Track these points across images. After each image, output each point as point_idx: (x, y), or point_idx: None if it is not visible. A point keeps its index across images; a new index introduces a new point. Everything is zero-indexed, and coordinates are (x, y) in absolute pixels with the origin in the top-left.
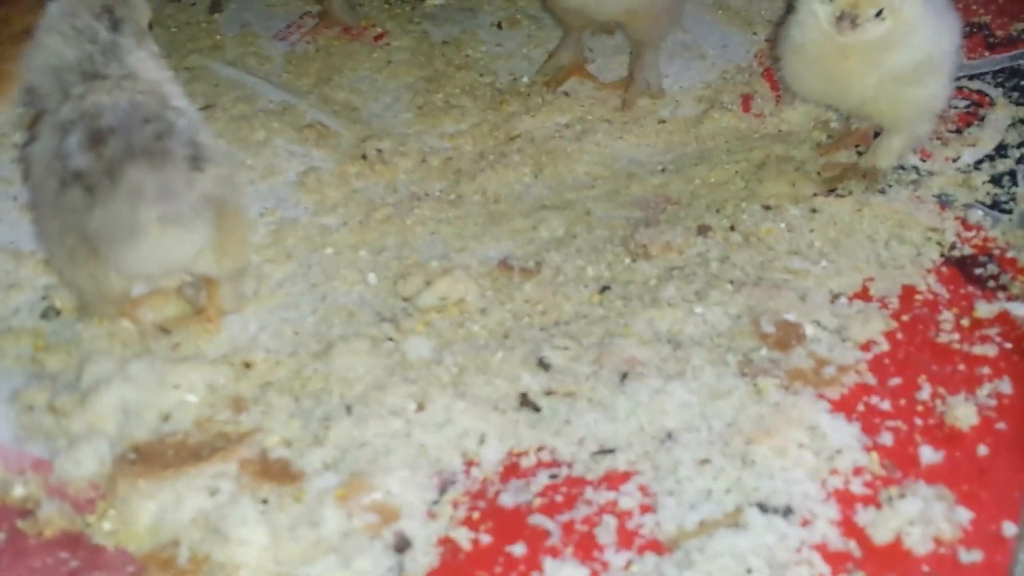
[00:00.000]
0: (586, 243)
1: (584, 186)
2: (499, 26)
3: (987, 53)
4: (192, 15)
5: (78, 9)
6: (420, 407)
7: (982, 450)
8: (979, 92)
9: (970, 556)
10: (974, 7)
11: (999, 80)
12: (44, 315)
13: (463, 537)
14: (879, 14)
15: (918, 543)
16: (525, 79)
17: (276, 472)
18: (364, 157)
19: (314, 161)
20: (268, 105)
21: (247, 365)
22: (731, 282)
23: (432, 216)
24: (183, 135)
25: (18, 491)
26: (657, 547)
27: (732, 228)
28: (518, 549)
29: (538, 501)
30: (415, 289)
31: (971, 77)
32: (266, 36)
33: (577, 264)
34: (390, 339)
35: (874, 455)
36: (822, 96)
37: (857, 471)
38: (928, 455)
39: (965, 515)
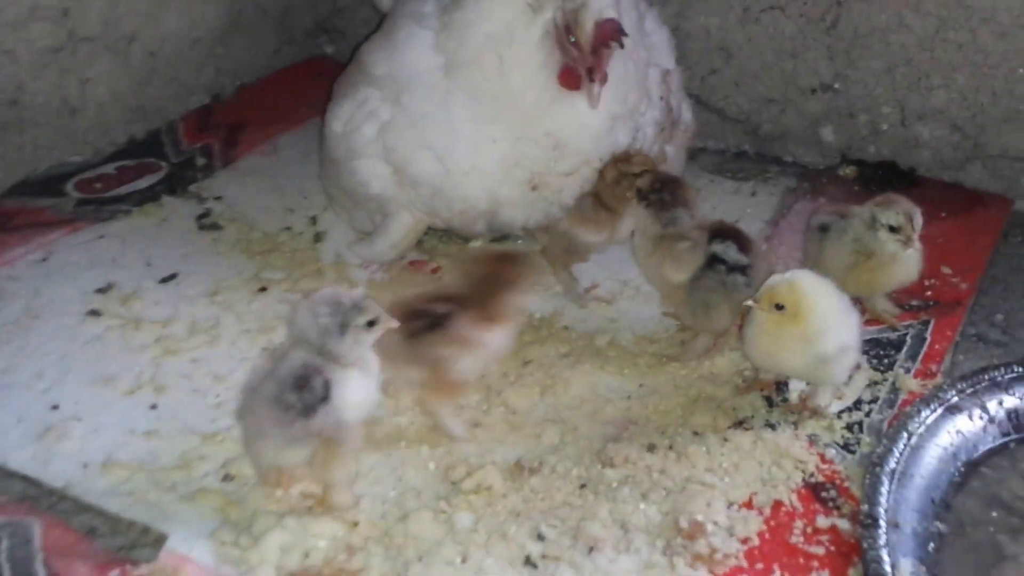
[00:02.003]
0: (573, 451)
1: (574, 406)
2: None
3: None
4: (302, 243)
5: (325, 307)
6: (463, 560)
7: None
8: None
9: None
10: None
11: (865, 349)
12: (224, 480)
13: None
14: (780, 307)
15: None
16: (538, 315)
17: None
18: None
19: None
20: None
21: (354, 524)
22: (665, 489)
23: (470, 423)
24: (313, 392)
25: None
26: None
27: (670, 447)
28: None
29: None
30: (460, 477)
31: None
32: (353, 264)
33: (566, 466)
34: (444, 512)
35: None
36: (772, 369)
37: None
38: None
39: None
